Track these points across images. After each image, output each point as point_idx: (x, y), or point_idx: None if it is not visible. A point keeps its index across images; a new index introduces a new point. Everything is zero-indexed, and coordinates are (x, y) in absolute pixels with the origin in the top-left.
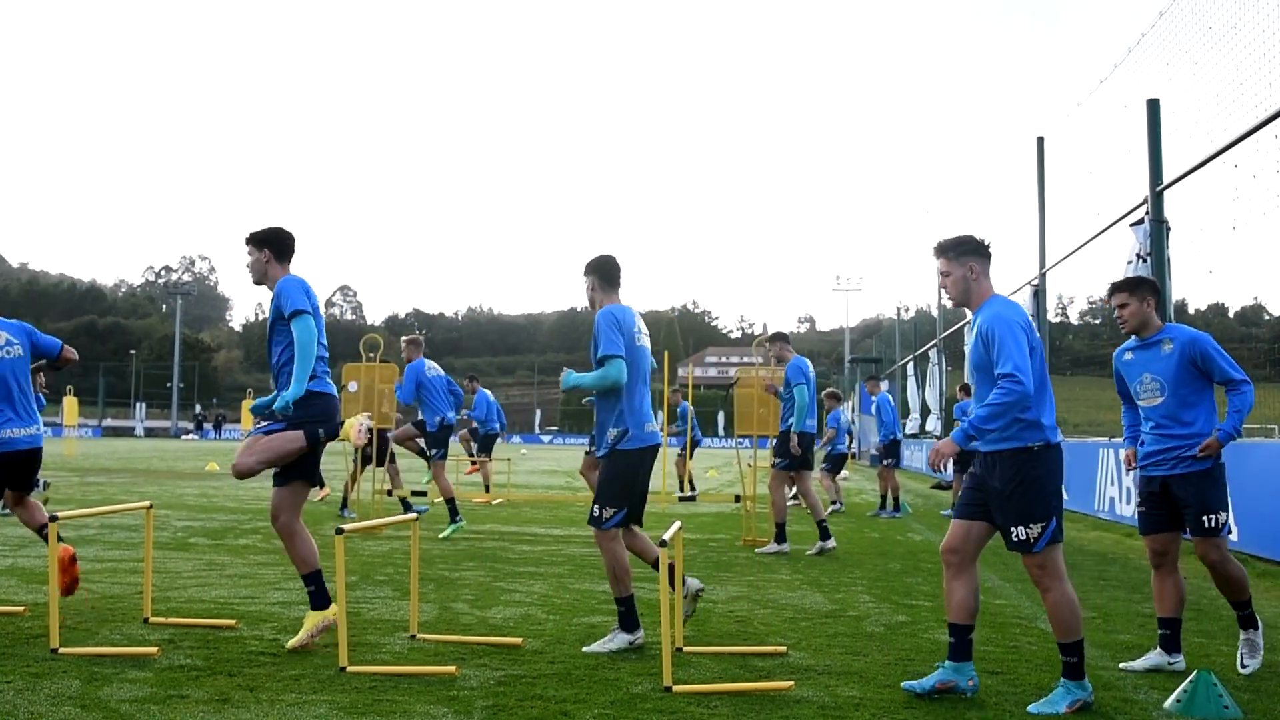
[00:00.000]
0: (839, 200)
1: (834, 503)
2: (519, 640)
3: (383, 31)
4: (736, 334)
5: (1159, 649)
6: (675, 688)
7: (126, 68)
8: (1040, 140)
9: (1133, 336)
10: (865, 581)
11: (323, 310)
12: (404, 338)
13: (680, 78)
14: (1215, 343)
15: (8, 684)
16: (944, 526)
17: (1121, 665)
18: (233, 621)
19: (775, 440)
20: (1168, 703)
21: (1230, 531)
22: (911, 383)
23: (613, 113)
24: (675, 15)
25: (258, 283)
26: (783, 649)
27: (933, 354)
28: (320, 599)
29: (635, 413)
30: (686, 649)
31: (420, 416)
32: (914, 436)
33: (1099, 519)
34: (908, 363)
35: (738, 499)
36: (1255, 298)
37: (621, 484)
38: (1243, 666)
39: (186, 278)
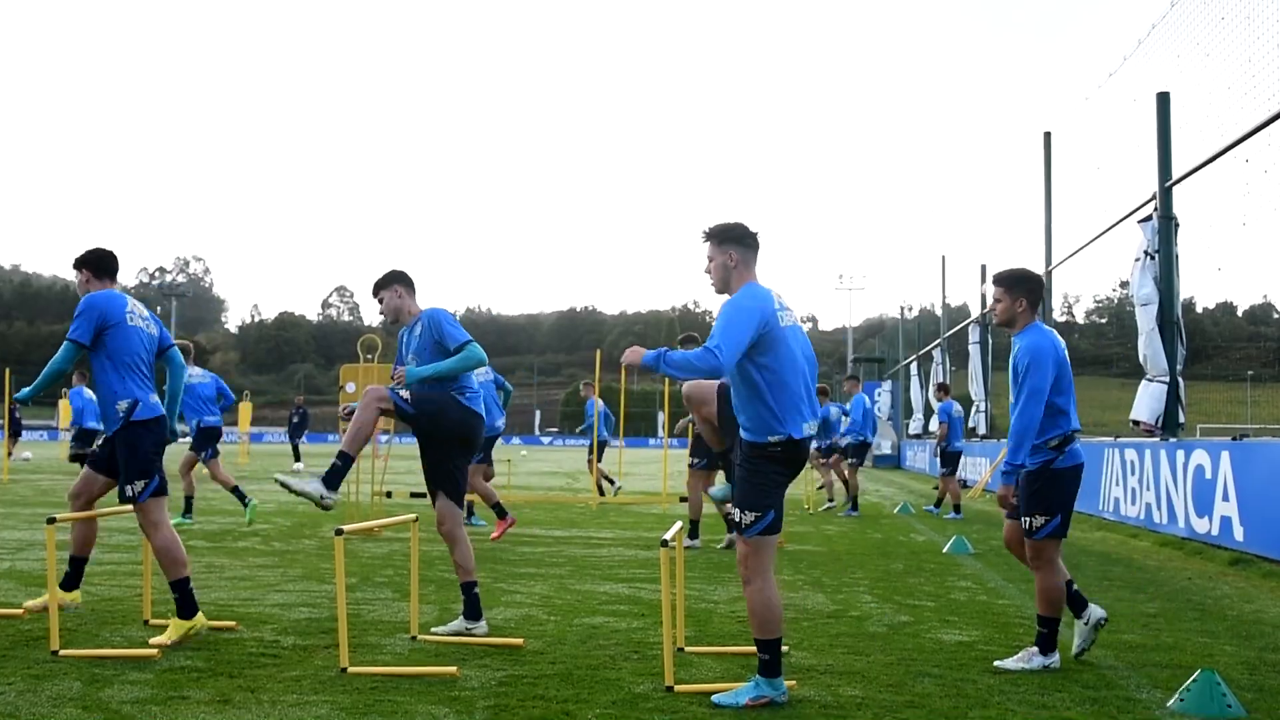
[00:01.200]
0: (841, 199)
1: (830, 500)
2: (520, 641)
3: (379, 30)
4: None
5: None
6: (677, 688)
7: (120, 68)
8: (1047, 135)
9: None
10: (867, 582)
11: (319, 311)
12: None
13: (681, 75)
14: (1040, 355)
15: (9, 685)
16: (944, 528)
17: (996, 663)
18: (233, 623)
19: (691, 440)
20: (1171, 702)
21: (1048, 534)
22: (915, 383)
23: (612, 111)
24: (676, 12)
25: None
26: (784, 649)
27: (936, 353)
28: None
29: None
30: (688, 649)
31: None
32: (916, 437)
33: (1103, 519)
34: (911, 362)
35: None
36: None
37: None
38: (1001, 661)
39: (181, 279)
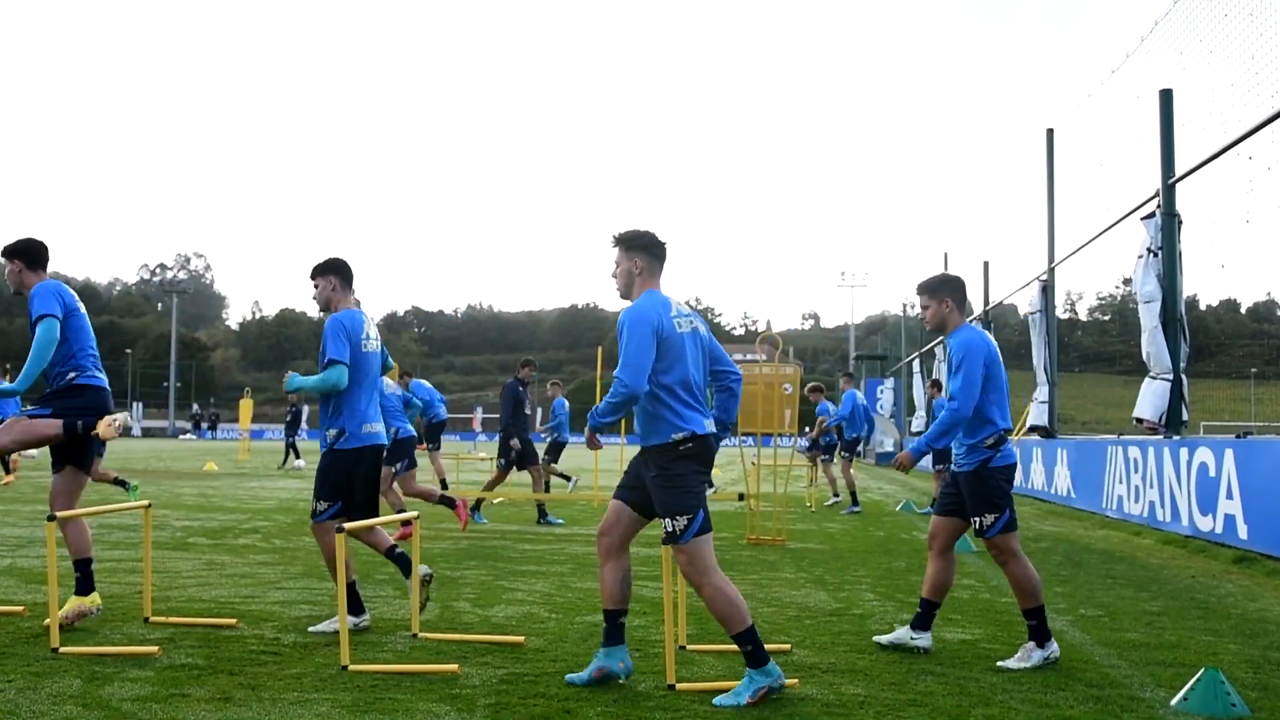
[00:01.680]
0: (844, 196)
1: (834, 495)
2: (521, 639)
3: (381, 28)
4: (740, 331)
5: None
6: (678, 686)
7: (121, 64)
8: (1050, 132)
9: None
10: (870, 580)
11: (319, 309)
12: None
13: (683, 73)
14: (972, 349)
15: (9, 683)
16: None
17: (875, 637)
18: (233, 621)
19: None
20: (1174, 700)
21: (1000, 529)
22: (918, 380)
23: (614, 109)
24: (678, 10)
25: (17, 292)
26: (786, 647)
27: (939, 351)
28: (85, 584)
29: (355, 415)
30: (690, 647)
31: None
32: (919, 434)
33: (1107, 517)
34: (913, 360)
35: (741, 497)
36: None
37: (336, 480)
38: (1003, 661)
39: (182, 276)
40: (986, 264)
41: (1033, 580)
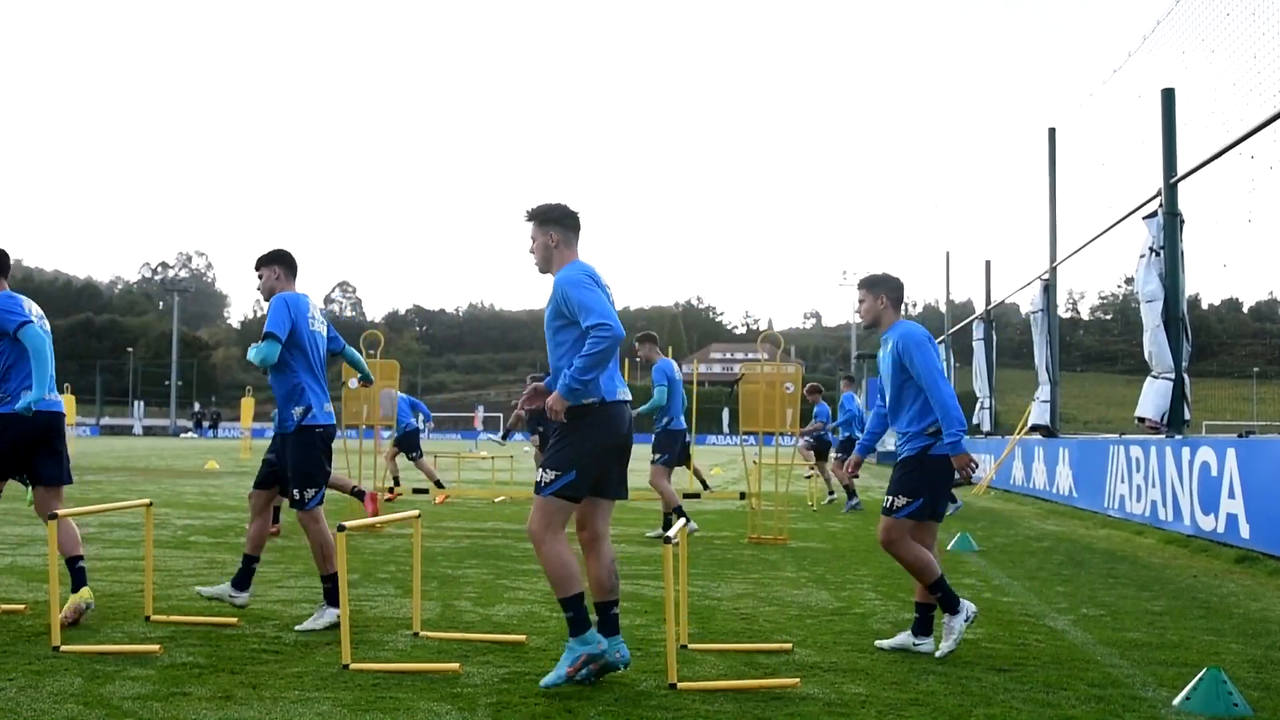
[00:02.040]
0: (845, 195)
1: (830, 492)
2: (523, 637)
3: (381, 25)
4: (741, 330)
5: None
6: (680, 685)
7: (122, 63)
8: (1052, 131)
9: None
10: (871, 579)
11: (321, 306)
12: None
13: (684, 70)
14: (918, 337)
15: (9, 682)
16: (947, 524)
17: (877, 642)
18: (234, 619)
19: (654, 437)
20: (1177, 700)
21: (908, 514)
22: None
23: (616, 106)
24: (678, 7)
25: None
26: (788, 646)
27: (941, 350)
28: (78, 580)
29: (317, 393)
30: (691, 646)
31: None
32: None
33: (1109, 516)
34: None
35: (743, 496)
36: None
37: (316, 461)
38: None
39: (184, 274)
40: (988, 263)
41: (921, 560)
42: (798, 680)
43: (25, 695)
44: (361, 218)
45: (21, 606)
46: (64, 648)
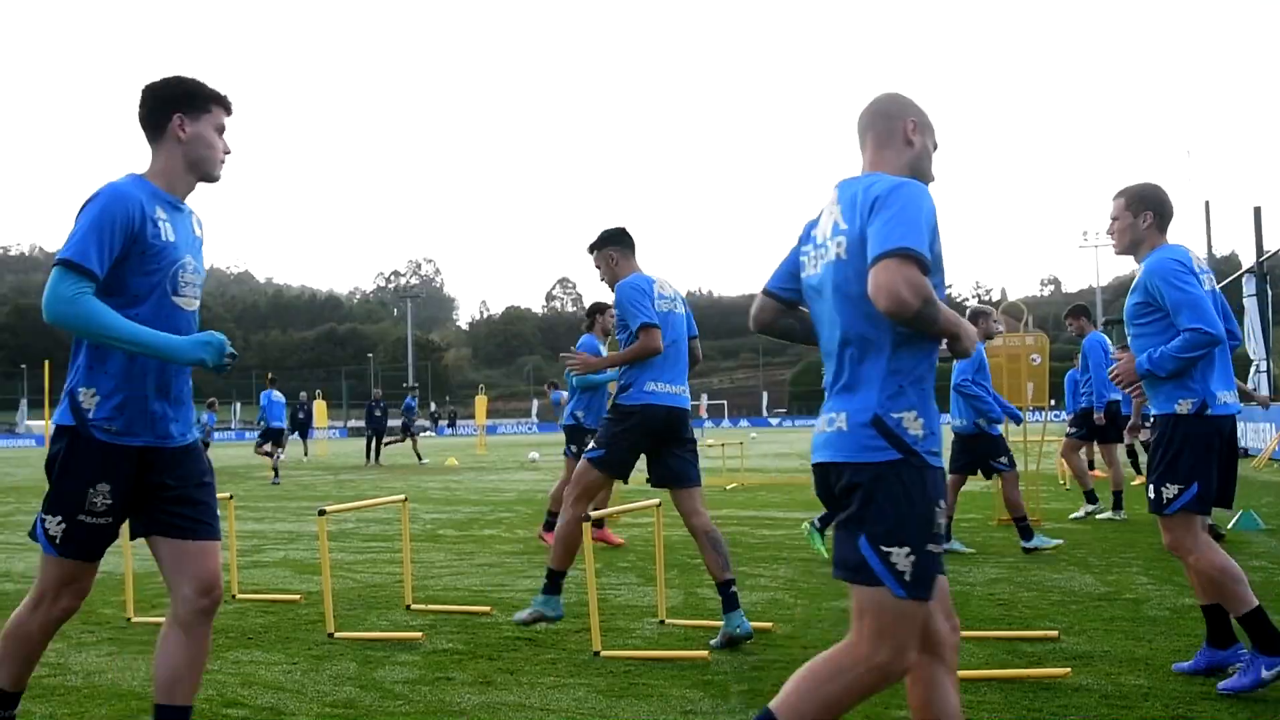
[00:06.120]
0: (1081, 148)
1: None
2: (770, 625)
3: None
4: (972, 301)
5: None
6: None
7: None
8: None
9: None
10: (1141, 561)
11: (543, 303)
12: None
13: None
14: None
15: (294, 665)
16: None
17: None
18: (488, 608)
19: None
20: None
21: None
22: None
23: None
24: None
25: None
26: (1054, 633)
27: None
28: None
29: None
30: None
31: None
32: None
33: None
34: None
35: (990, 474)
36: None
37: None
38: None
39: (415, 281)
40: (1258, 209)
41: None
42: (1068, 670)
43: (309, 678)
44: (579, 215)
45: (297, 596)
46: (337, 634)
